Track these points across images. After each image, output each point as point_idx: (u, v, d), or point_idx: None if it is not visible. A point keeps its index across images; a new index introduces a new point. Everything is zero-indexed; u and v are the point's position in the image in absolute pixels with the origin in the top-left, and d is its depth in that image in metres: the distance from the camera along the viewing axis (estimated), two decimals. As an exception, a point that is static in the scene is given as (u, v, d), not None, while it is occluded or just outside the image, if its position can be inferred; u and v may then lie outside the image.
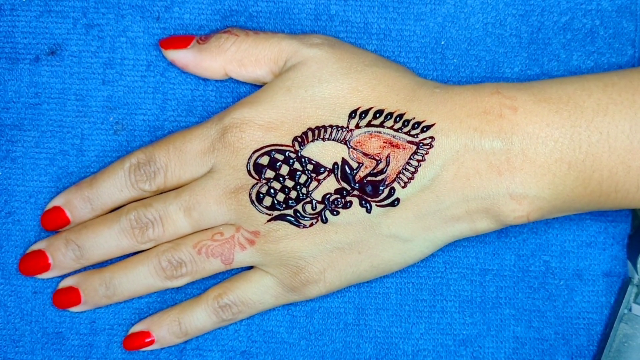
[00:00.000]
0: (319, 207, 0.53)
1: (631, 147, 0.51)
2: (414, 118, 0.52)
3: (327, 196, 0.53)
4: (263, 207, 0.53)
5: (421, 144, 0.52)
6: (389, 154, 0.52)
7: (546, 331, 0.58)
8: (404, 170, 0.52)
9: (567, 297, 0.58)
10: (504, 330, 0.58)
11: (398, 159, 0.52)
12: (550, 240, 0.58)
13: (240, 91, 0.58)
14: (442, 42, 0.58)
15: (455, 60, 0.58)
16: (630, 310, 0.57)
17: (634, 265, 0.58)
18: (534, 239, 0.58)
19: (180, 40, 0.56)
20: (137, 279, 0.56)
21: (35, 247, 0.57)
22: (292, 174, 0.53)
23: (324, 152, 0.53)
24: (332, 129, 0.53)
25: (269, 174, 0.53)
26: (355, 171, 0.53)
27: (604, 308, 0.59)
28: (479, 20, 0.58)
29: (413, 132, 0.52)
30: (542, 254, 0.58)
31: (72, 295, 0.57)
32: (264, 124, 0.53)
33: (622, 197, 0.52)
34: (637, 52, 0.58)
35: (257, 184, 0.53)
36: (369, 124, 0.52)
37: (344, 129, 0.52)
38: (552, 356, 0.58)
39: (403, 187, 0.52)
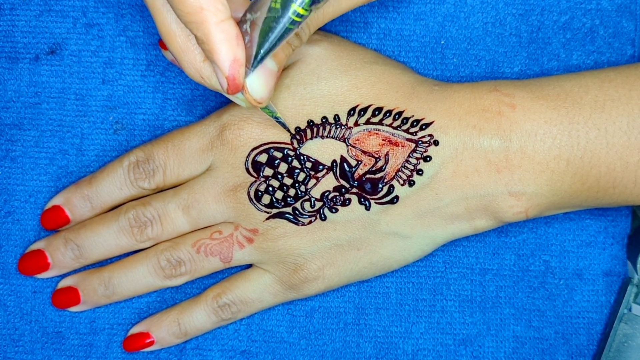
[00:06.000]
0: (318, 204, 0.53)
1: (629, 142, 0.51)
2: (413, 116, 0.52)
3: (326, 194, 0.53)
4: (262, 205, 0.53)
5: (420, 142, 0.52)
6: (387, 152, 0.52)
7: (546, 330, 0.58)
8: (403, 168, 0.52)
9: (567, 297, 0.58)
10: (503, 330, 0.58)
11: (397, 157, 0.52)
12: (550, 240, 0.58)
13: (240, 90, 0.58)
14: (442, 42, 0.58)
15: (455, 60, 0.58)
16: (630, 310, 0.57)
17: (634, 265, 0.58)
18: (533, 238, 0.58)
19: (180, 40, 0.56)
20: (136, 279, 0.56)
21: (34, 246, 0.57)
22: (291, 172, 0.53)
23: (323, 150, 0.53)
24: (330, 126, 0.52)
25: (268, 171, 0.53)
26: (354, 169, 0.52)
27: (604, 307, 0.58)
28: (478, 20, 0.58)
29: (412, 129, 0.52)
30: (542, 254, 0.58)
31: (71, 295, 0.57)
32: (263, 122, 0.53)
33: (620, 193, 0.52)
34: (637, 52, 0.58)
35: (255, 181, 0.53)
36: (367, 122, 0.52)
37: (342, 127, 0.52)
38: (552, 355, 0.58)
39: (402, 185, 0.52)
